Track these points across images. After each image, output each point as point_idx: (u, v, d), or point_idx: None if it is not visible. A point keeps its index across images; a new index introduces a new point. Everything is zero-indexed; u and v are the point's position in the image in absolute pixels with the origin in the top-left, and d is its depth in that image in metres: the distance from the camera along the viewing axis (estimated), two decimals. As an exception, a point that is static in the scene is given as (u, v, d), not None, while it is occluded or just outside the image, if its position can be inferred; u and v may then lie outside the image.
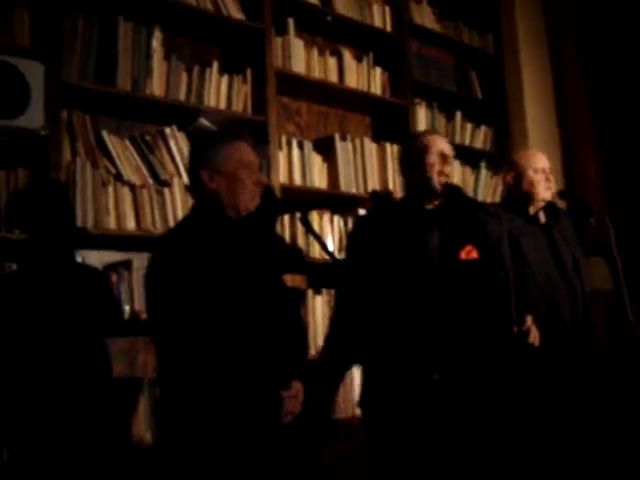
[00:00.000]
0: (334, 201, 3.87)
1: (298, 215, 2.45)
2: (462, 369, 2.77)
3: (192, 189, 2.58)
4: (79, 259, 3.29)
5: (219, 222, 2.47)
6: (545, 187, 3.33)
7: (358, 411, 3.78)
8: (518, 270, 3.07)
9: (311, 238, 3.98)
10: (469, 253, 2.86)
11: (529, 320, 2.83)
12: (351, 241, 3.03)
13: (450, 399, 2.72)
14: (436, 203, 2.89)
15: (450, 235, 2.87)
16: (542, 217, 3.39)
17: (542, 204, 3.37)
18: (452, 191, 2.85)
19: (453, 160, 2.93)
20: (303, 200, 2.48)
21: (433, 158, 2.84)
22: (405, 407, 2.72)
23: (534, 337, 2.84)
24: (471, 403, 2.74)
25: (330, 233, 4.17)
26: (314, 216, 4.05)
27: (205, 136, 2.69)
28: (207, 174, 2.46)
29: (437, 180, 2.83)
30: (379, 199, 2.91)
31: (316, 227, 4.02)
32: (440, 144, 2.88)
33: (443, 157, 2.85)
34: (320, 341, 3.97)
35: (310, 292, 4.00)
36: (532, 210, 3.37)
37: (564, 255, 3.31)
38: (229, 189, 2.46)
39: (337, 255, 4.07)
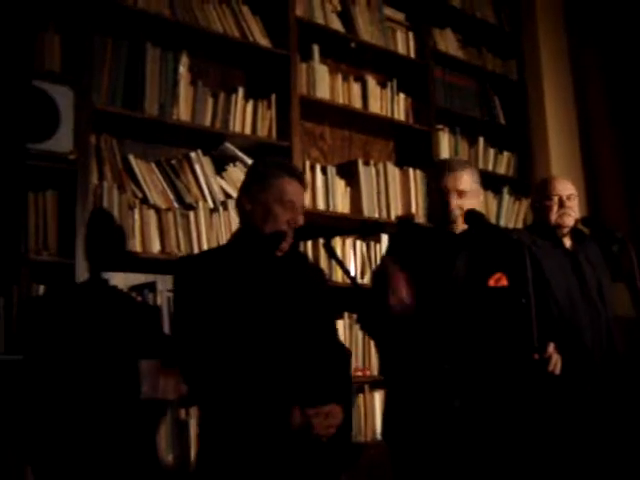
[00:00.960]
0: (358, 228, 3.89)
1: (321, 241, 2.47)
2: (483, 396, 2.78)
3: (236, 207, 2.65)
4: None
5: (250, 245, 2.51)
6: (558, 213, 3.36)
7: (378, 436, 3.82)
8: (540, 294, 3.09)
9: (334, 262, 4.01)
10: (498, 281, 2.87)
11: (551, 348, 2.84)
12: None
13: (471, 426, 2.73)
14: (460, 230, 2.92)
15: (479, 261, 2.90)
16: (567, 242, 3.41)
17: (566, 229, 3.39)
18: (474, 218, 2.86)
19: (477, 189, 2.95)
20: (327, 227, 2.50)
21: (450, 197, 2.88)
22: (427, 434, 2.72)
23: (555, 365, 2.84)
24: (492, 430, 2.75)
25: (352, 257, 4.19)
26: (337, 240, 4.07)
27: (258, 163, 2.73)
28: (246, 197, 2.53)
29: (452, 215, 2.87)
30: (404, 224, 2.92)
31: (339, 251, 4.04)
32: (457, 182, 2.89)
33: (459, 193, 2.88)
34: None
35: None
36: (558, 235, 3.39)
37: (588, 280, 3.33)
38: (260, 216, 2.51)
39: (359, 280, 4.10)
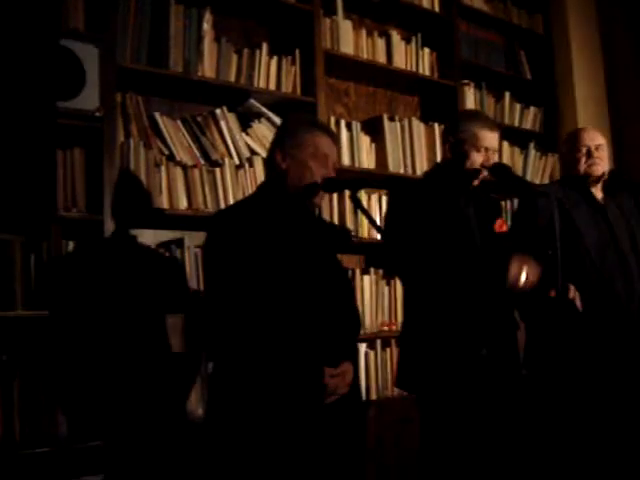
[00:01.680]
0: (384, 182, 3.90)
1: (348, 193, 2.48)
2: (510, 344, 2.81)
3: (266, 164, 2.66)
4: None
5: (279, 201, 2.53)
6: (587, 164, 3.34)
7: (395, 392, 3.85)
8: (571, 244, 3.14)
9: (360, 217, 4.02)
10: (501, 227, 2.97)
11: (572, 290, 2.86)
12: (393, 215, 3.01)
13: (498, 374, 2.76)
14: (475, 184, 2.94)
15: (483, 211, 2.97)
16: (598, 194, 3.40)
17: (597, 181, 3.38)
18: (502, 170, 2.88)
19: (497, 150, 2.97)
20: (353, 179, 2.51)
21: (478, 155, 2.89)
22: (455, 383, 2.75)
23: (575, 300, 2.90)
24: (520, 380, 2.77)
25: (378, 212, 4.19)
26: (362, 195, 4.08)
27: (293, 118, 2.74)
28: (280, 154, 2.54)
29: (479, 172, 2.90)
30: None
31: (364, 205, 4.05)
32: (493, 141, 2.92)
33: (488, 152, 2.89)
34: (368, 321, 4.03)
35: (358, 272, 4.04)
36: (588, 186, 3.38)
37: (619, 231, 3.32)
38: (297, 174, 2.53)
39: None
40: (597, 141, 3.39)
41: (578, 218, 3.30)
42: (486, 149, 2.89)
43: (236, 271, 2.40)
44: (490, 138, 2.91)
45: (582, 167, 3.36)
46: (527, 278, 2.77)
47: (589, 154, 3.35)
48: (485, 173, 2.91)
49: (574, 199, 3.35)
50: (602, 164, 3.37)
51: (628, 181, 3.56)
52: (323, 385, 2.37)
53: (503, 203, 4.55)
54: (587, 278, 3.21)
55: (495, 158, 2.93)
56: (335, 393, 2.41)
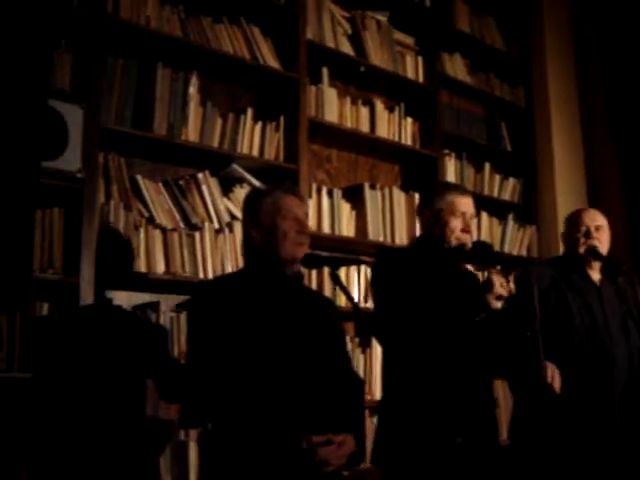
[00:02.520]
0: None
1: (327, 270, 2.48)
2: (486, 433, 2.79)
3: (244, 245, 2.67)
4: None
5: (261, 272, 2.54)
6: (586, 244, 3.38)
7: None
8: (562, 322, 3.19)
9: (338, 290, 4.01)
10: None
11: (550, 372, 2.86)
12: (378, 282, 3.00)
13: (473, 463, 2.73)
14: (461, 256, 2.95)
15: (464, 285, 2.95)
16: (595, 274, 3.43)
17: (594, 261, 3.41)
18: (482, 249, 2.89)
19: (475, 216, 2.99)
20: (334, 257, 2.52)
21: (457, 221, 2.90)
22: (428, 469, 2.71)
23: (553, 379, 2.91)
24: (494, 467, 2.75)
25: (357, 281, 4.18)
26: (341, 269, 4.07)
27: (253, 194, 2.76)
28: (253, 228, 2.56)
29: (456, 238, 2.90)
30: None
31: (343, 276, 4.04)
32: (469, 207, 2.93)
33: (465, 217, 2.91)
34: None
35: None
36: (586, 267, 3.41)
37: (609, 314, 3.33)
38: (269, 237, 2.53)
39: (362, 304, 4.10)
40: (597, 222, 3.43)
41: (571, 297, 3.32)
42: (463, 214, 2.91)
43: (216, 342, 2.39)
44: (465, 203, 2.93)
45: (581, 247, 3.38)
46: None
47: (588, 234, 3.38)
48: (467, 248, 2.92)
49: (569, 278, 3.38)
50: (601, 245, 3.39)
51: (606, 259, 3.57)
52: (309, 453, 2.31)
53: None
54: (573, 356, 3.22)
55: (473, 224, 2.94)
56: (330, 464, 2.34)
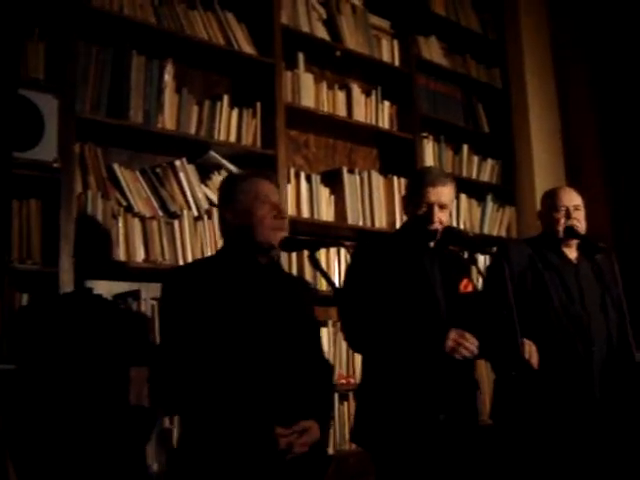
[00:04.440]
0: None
1: (306, 253, 2.49)
2: (467, 412, 2.82)
3: (221, 228, 2.68)
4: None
5: (237, 256, 2.54)
6: (565, 225, 3.40)
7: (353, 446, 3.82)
8: (540, 300, 3.21)
9: (318, 274, 4.01)
10: (466, 287, 2.97)
11: (527, 349, 2.88)
12: (354, 269, 3.03)
13: (456, 439, 2.75)
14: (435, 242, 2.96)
15: (449, 270, 2.96)
16: (572, 253, 3.45)
17: (571, 240, 3.44)
18: (452, 235, 2.91)
19: (448, 203, 2.98)
20: (311, 240, 2.53)
21: (432, 210, 2.91)
22: (411, 446, 2.74)
23: (530, 355, 2.92)
24: (477, 444, 2.78)
25: (337, 267, 4.20)
26: (321, 250, 4.06)
27: (228, 178, 2.79)
28: (229, 212, 2.57)
29: (433, 227, 2.90)
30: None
31: (323, 261, 4.05)
32: (439, 196, 2.93)
33: (440, 207, 2.91)
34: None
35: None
36: (562, 246, 3.43)
37: (587, 292, 3.36)
38: (246, 222, 2.54)
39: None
40: (575, 201, 3.45)
41: (548, 276, 3.35)
42: (430, 205, 2.90)
43: (188, 325, 2.40)
44: (434, 193, 2.90)
45: (561, 227, 3.40)
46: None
47: (568, 215, 3.40)
48: (438, 237, 2.93)
49: (546, 257, 3.41)
50: (580, 224, 3.42)
51: (583, 237, 3.59)
52: (274, 443, 2.33)
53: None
54: (551, 335, 3.25)
55: (442, 213, 2.93)
56: (291, 452, 2.37)
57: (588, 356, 3.27)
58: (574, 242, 3.45)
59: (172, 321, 2.46)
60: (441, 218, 2.90)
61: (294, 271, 4.00)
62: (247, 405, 2.34)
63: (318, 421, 2.47)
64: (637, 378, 3.28)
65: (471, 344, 2.72)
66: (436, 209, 2.89)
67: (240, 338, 2.41)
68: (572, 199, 3.46)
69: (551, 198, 3.50)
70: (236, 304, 2.45)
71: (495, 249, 3.41)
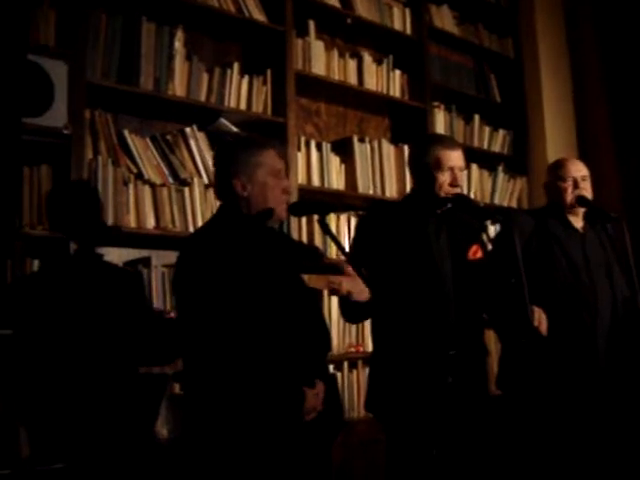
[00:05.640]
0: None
1: (316, 217, 2.48)
2: (476, 378, 2.82)
3: (220, 193, 2.65)
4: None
5: (245, 223, 2.54)
6: (573, 195, 3.39)
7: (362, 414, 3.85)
8: (547, 267, 3.21)
9: (328, 240, 4.01)
10: (475, 253, 2.95)
11: (537, 316, 2.87)
12: (357, 239, 3.02)
13: (463, 403, 2.76)
14: (443, 209, 2.94)
15: (457, 236, 2.95)
16: (579, 223, 3.45)
17: (577, 209, 3.43)
18: (461, 201, 2.90)
19: (465, 168, 2.98)
20: (321, 203, 2.52)
21: (445, 175, 2.89)
22: (421, 409, 2.75)
23: (539, 322, 2.90)
24: (486, 406, 2.79)
25: (347, 234, 4.20)
26: (331, 217, 4.08)
27: (235, 143, 2.73)
28: (239, 183, 2.53)
29: (445, 192, 2.89)
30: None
31: (333, 228, 4.05)
32: (458, 160, 2.92)
33: (454, 171, 2.89)
34: (335, 342, 4.02)
35: (325, 292, 4.03)
36: (568, 215, 3.43)
37: (593, 261, 3.36)
38: (260, 196, 2.54)
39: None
40: (582, 172, 3.44)
41: (554, 245, 3.35)
42: (451, 168, 2.89)
43: (212, 296, 2.39)
44: (453, 157, 2.91)
45: (569, 197, 3.39)
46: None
47: (575, 185, 3.39)
48: (449, 205, 2.92)
49: (553, 227, 3.40)
50: (588, 194, 3.42)
51: (594, 206, 3.58)
52: (303, 405, 2.37)
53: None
54: (559, 301, 3.25)
55: (462, 176, 2.93)
56: (313, 411, 2.42)
57: (592, 325, 3.27)
58: (580, 211, 3.44)
59: (195, 291, 2.43)
60: (456, 182, 2.90)
61: (304, 236, 4.01)
62: (274, 368, 2.37)
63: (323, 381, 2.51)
64: None
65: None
66: (457, 172, 2.88)
67: (260, 304, 2.41)
68: (579, 169, 3.46)
69: (558, 169, 3.48)
70: (250, 269, 2.43)
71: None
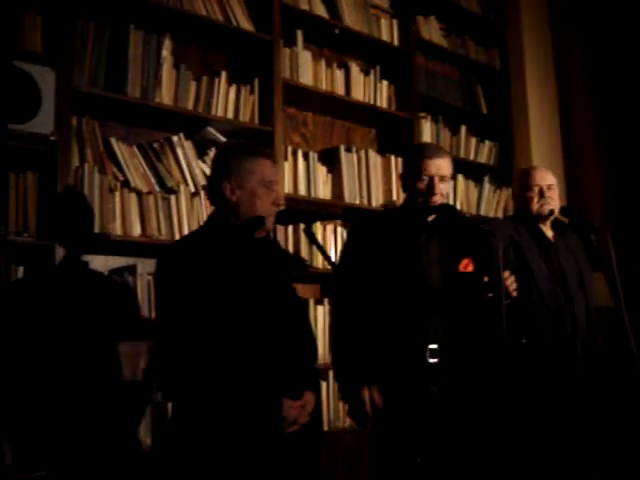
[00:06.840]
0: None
1: (302, 226, 2.48)
2: (461, 382, 2.82)
3: (211, 195, 2.64)
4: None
5: (232, 232, 2.52)
6: (539, 203, 3.40)
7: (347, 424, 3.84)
8: (523, 282, 3.15)
9: (314, 249, 4.02)
10: (466, 266, 2.94)
11: (507, 274, 2.87)
12: (348, 248, 3.03)
13: (449, 412, 2.76)
14: (433, 217, 2.95)
15: (449, 247, 2.94)
16: (549, 232, 3.46)
17: (547, 219, 3.44)
18: (447, 210, 2.90)
19: (451, 176, 2.98)
20: (307, 212, 2.52)
21: (421, 184, 2.90)
22: (404, 419, 2.75)
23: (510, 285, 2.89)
24: (470, 416, 2.79)
25: (333, 243, 4.20)
26: (317, 226, 4.09)
27: (231, 147, 2.72)
28: (228, 187, 2.53)
29: (432, 200, 2.89)
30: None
31: (320, 237, 4.06)
32: (439, 168, 2.92)
33: (441, 179, 2.90)
34: (321, 351, 4.01)
35: (312, 302, 4.04)
36: (539, 225, 3.44)
37: (567, 270, 3.38)
38: (248, 204, 2.53)
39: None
40: (548, 181, 3.45)
41: (529, 254, 3.35)
42: (429, 177, 2.89)
43: (190, 302, 2.37)
44: (431, 165, 2.89)
45: (535, 206, 3.41)
46: None
47: (541, 194, 3.41)
48: (433, 215, 2.93)
49: (525, 236, 3.41)
50: (553, 203, 3.43)
51: (578, 217, 3.59)
52: (281, 416, 2.35)
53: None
54: (536, 312, 3.26)
55: (445, 185, 2.93)
56: (296, 423, 2.40)
57: (573, 332, 3.29)
58: (549, 221, 3.46)
59: (172, 297, 2.42)
60: (442, 190, 2.90)
61: (290, 245, 4.01)
62: (252, 378, 2.35)
63: (312, 391, 2.50)
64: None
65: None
66: (437, 180, 2.89)
67: (241, 312, 2.40)
68: (545, 178, 3.46)
69: (524, 178, 3.50)
70: (234, 277, 2.43)
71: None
